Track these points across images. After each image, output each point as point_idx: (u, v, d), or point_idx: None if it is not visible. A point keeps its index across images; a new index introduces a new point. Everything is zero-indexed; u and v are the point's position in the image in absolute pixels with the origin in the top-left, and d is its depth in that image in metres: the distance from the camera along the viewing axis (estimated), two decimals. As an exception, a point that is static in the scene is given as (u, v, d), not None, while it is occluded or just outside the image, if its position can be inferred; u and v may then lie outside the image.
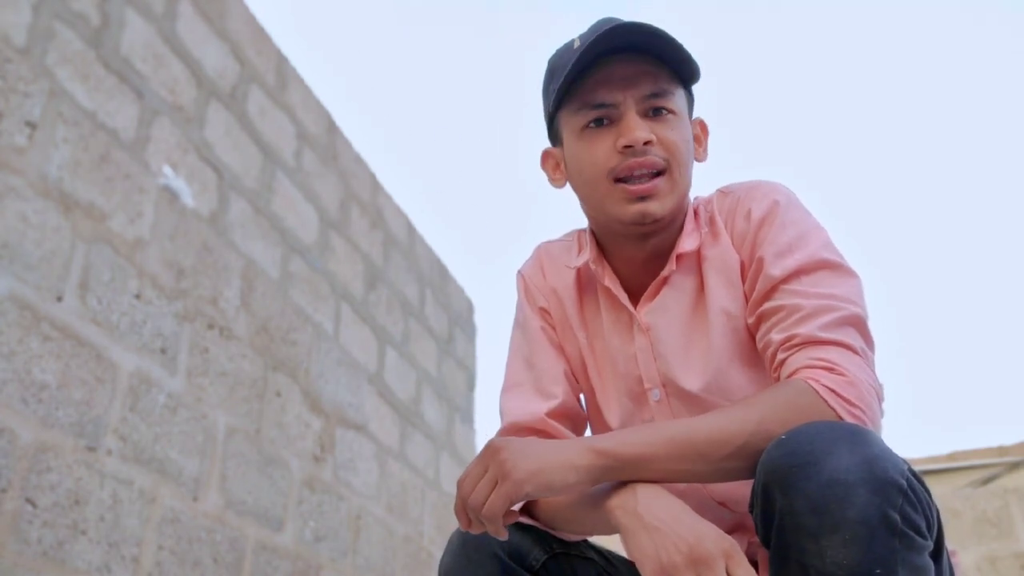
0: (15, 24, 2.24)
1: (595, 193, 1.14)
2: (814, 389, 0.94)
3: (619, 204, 1.11)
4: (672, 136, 1.11)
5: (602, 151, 1.11)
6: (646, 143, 1.09)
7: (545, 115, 1.22)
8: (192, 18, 2.94)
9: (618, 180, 1.11)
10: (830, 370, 0.96)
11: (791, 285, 1.05)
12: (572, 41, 1.16)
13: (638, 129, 1.09)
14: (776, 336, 1.03)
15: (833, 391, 0.94)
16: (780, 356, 1.02)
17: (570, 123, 1.16)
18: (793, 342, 1.01)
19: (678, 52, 1.11)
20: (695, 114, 1.22)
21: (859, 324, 1.02)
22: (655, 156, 1.09)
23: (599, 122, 1.12)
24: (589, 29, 1.15)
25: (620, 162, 1.10)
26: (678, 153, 1.11)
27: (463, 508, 0.96)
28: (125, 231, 2.49)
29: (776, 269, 1.07)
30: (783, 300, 1.05)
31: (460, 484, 0.96)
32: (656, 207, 1.10)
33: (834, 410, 0.93)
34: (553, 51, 1.21)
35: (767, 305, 1.06)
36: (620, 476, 0.96)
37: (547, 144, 1.25)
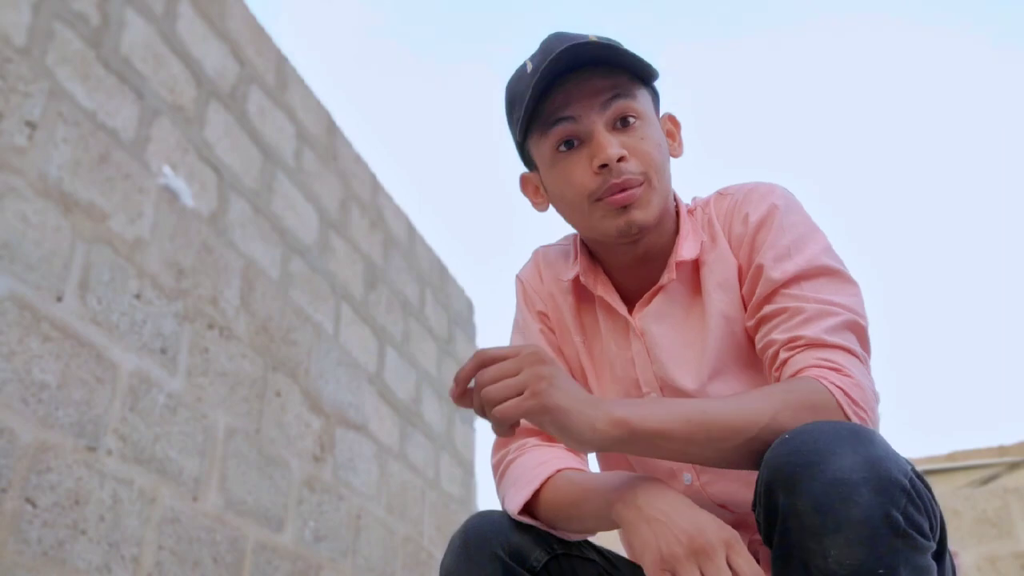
0: (15, 24, 2.24)
1: (579, 214, 1.13)
2: (827, 388, 0.95)
3: (604, 220, 1.10)
4: (644, 146, 1.10)
5: (578, 174, 1.10)
6: (620, 160, 1.08)
7: (514, 143, 1.21)
8: (192, 18, 2.93)
9: (598, 200, 1.10)
10: (837, 371, 0.96)
11: (792, 289, 1.05)
12: (524, 65, 1.14)
13: (609, 147, 1.07)
14: (779, 336, 1.03)
15: (843, 391, 0.94)
16: (783, 355, 1.02)
17: (540, 148, 1.14)
18: (798, 343, 1.01)
19: (631, 56, 1.10)
20: (663, 110, 1.20)
21: (860, 331, 1.03)
22: (631, 172, 1.08)
23: (569, 144, 1.11)
24: (539, 49, 1.14)
25: (599, 184, 1.09)
26: (653, 162, 1.10)
27: (470, 390, 0.92)
28: (125, 231, 2.49)
29: (776, 272, 1.06)
30: (785, 303, 1.05)
31: (484, 363, 0.92)
32: (640, 215, 1.09)
33: (843, 410, 0.94)
34: (508, 79, 1.19)
35: (768, 308, 1.06)
36: (631, 449, 0.95)
37: (524, 169, 1.23)
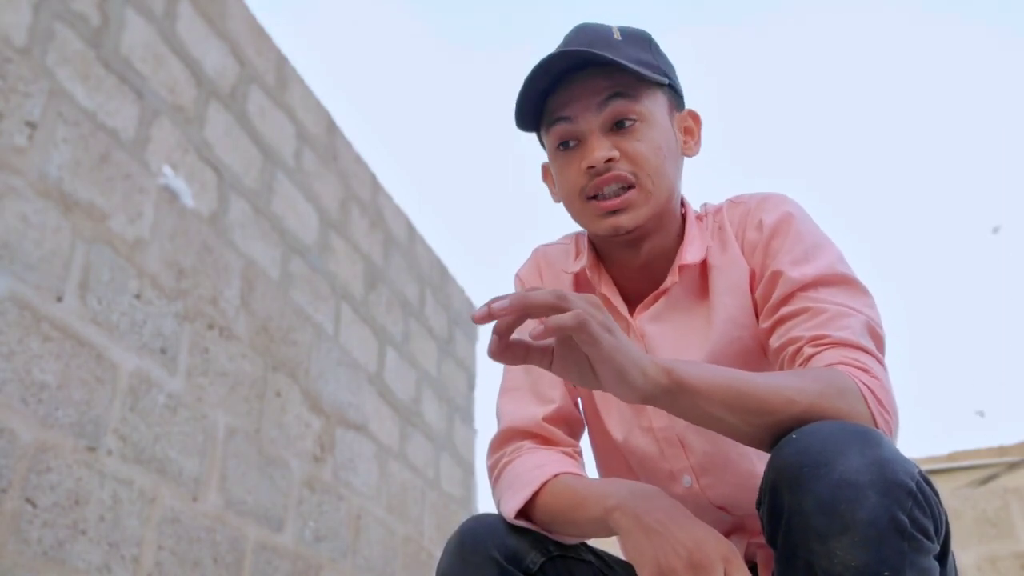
0: (15, 24, 2.24)
1: (574, 211, 1.16)
2: (857, 387, 0.93)
3: (592, 220, 1.12)
4: (638, 148, 1.10)
5: (572, 173, 1.13)
6: (608, 161, 1.09)
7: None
8: (192, 18, 2.93)
9: (590, 198, 1.12)
10: (866, 371, 0.96)
11: (811, 292, 1.05)
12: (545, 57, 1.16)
13: (598, 149, 1.09)
14: (804, 332, 1.02)
15: (872, 392, 0.94)
16: (808, 350, 1.00)
17: (548, 142, 1.17)
18: (824, 340, 1.00)
19: (627, 60, 1.09)
20: (687, 106, 1.20)
21: (878, 340, 1.02)
22: (620, 171, 1.09)
23: (566, 145, 1.13)
24: (562, 42, 1.16)
25: (588, 182, 1.11)
26: (646, 164, 1.10)
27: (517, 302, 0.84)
28: (125, 231, 2.49)
29: (796, 273, 1.06)
30: (805, 304, 1.04)
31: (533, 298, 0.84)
32: (627, 219, 1.10)
33: (871, 410, 0.92)
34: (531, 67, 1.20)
35: (786, 309, 1.06)
36: (670, 405, 0.90)
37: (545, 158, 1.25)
